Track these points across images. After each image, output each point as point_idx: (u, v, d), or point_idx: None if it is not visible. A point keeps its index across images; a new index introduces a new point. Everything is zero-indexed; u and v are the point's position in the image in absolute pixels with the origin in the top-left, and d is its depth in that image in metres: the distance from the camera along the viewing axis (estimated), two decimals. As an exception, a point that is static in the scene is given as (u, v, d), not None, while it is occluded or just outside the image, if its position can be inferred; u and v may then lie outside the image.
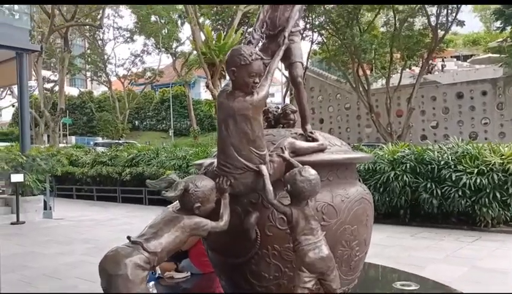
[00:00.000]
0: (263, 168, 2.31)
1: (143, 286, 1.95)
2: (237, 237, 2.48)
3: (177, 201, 2.24)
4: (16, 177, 9.71)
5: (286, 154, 2.41)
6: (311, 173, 2.23)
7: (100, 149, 22.07)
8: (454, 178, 8.06)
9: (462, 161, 8.24)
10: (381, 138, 25.14)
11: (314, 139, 2.68)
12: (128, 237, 2.06)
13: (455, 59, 40.26)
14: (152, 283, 3.73)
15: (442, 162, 8.35)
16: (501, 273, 5.25)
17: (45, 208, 10.75)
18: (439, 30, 23.44)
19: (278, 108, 3.20)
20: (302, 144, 2.58)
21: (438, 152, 8.66)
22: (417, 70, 28.66)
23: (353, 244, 2.61)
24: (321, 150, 2.64)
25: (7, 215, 10.07)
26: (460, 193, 7.96)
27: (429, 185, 8.34)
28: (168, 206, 2.28)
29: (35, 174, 10.58)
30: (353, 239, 2.61)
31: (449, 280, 4.64)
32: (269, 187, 2.25)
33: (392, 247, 6.68)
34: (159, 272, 3.97)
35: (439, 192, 8.21)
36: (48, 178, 11.24)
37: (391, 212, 9.09)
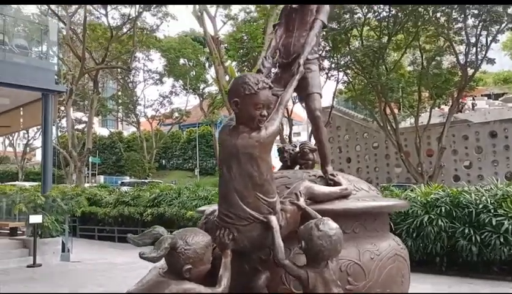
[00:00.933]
0: (272, 218, 1.90)
1: None
2: (244, 301, 2.06)
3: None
4: (35, 219, 9.56)
5: (302, 201, 2.01)
6: (331, 226, 1.81)
7: (125, 188, 22.03)
8: (494, 223, 7.39)
9: (502, 204, 7.59)
10: (412, 178, 24.23)
11: (336, 183, 2.27)
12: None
13: (486, 98, 39.33)
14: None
15: (480, 205, 7.71)
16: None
17: (63, 250, 10.50)
18: (468, 69, 22.87)
19: (296, 147, 2.82)
20: (321, 189, 2.17)
21: (475, 194, 8.03)
22: (446, 108, 27.93)
23: (385, 312, 2.14)
24: (345, 196, 2.23)
25: (24, 257, 9.86)
26: (502, 240, 7.27)
27: (466, 231, 7.68)
28: (156, 265, 1.88)
29: (54, 215, 10.43)
30: (385, 305, 2.14)
31: None
32: (279, 242, 1.84)
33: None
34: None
35: (478, 238, 7.53)
36: (68, 219, 11.06)
37: (426, 260, 8.38)
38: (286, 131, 27.97)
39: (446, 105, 28.95)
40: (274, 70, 2.54)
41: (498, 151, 25.02)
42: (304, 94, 2.44)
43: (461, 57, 22.89)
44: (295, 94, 2.44)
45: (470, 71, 23.15)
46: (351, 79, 27.47)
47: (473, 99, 34.88)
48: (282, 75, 2.42)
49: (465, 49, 22.82)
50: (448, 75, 24.21)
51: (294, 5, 2.57)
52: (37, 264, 9.44)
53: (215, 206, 2.20)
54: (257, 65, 24.90)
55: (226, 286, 1.85)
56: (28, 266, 9.38)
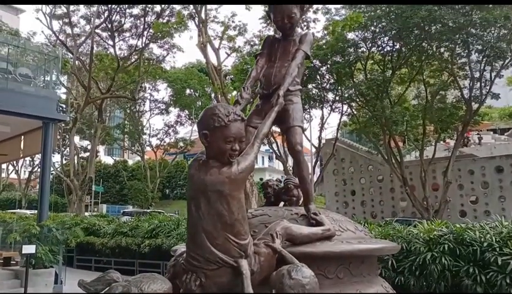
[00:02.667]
0: (243, 263, 1.73)
1: None
2: None
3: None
4: (28, 249, 9.36)
5: (278, 243, 1.84)
6: (305, 274, 1.64)
7: (126, 218, 21.81)
8: (500, 263, 7.07)
9: (508, 243, 7.28)
10: (417, 212, 23.81)
11: (318, 223, 2.10)
12: None
13: (491, 132, 39.17)
14: None
15: (485, 244, 7.41)
16: None
17: (56, 282, 10.24)
18: (473, 103, 22.81)
19: (280, 182, 2.67)
20: (301, 229, 2.00)
21: (479, 232, 7.75)
22: (452, 142, 27.74)
23: None
24: (328, 237, 2.06)
25: (16, 288, 9.64)
26: (508, 281, 6.94)
27: (471, 270, 7.35)
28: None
29: (49, 245, 10.23)
30: None
31: None
32: (249, 290, 1.66)
33: None
34: None
35: (483, 277, 7.20)
36: (62, 249, 10.85)
37: (429, 300, 8.05)
38: (291, 162, 27.86)
39: (451, 138, 28.77)
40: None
41: (505, 187, 24.63)
42: (285, 127, 2.31)
43: (465, 92, 22.88)
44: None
45: (475, 105, 23.09)
46: (355, 112, 27.51)
47: (479, 134, 34.73)
48: (262, 106, 2.31)
49: (469, 84, 22.84)
50: (453, 109, 24.15)
51: (277, 35, 2.49)
52: (27, 296, 9.19)
53: (182, 248, 2.01)
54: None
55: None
56: (18, 298, 9.14)
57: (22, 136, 12.50)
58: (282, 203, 2.62)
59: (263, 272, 1.79)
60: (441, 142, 30.27)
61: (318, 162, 28.84)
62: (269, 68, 2.37)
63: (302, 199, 2.51)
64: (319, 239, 2.03)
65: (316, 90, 25.97)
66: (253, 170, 1.85)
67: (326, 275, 1.94)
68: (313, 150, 28.02)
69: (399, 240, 8.56)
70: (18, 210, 29.49)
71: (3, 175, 42.24)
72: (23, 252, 9.45)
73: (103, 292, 1.57)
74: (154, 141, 46.13)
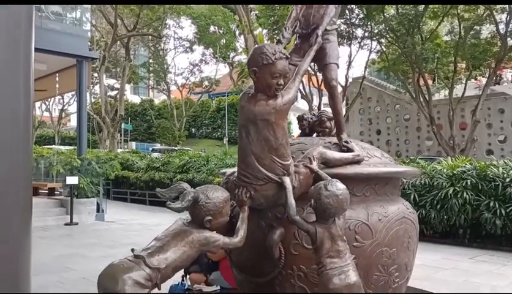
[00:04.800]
0: (286, 179, 2.06)
1: (141, 306, 1.75)
2: (260, 254, 2.26)
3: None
4: (71, 180, 10.09)
5: (314, 165, 2.15)
6: (338, 187, 1.96)
7: (156, 154, 22.67)
8: (520, 197, 7.33)
9: (530, 179, 7.49)
10: (443, 151, 23.78)
11: (349, 150, 2.40)
12: (132, 250, 1.90)
13: (526, 70, 37.46)
14: (180, 295, 3.60)
15: (508, 179, 7.62)
16: None
17: (98, 211, 11.08)
18: (508, 39, 21.87)
19: (314, 115, 2.94)
20: (334, 154, 2.30)
21: (503, 168, 7.93)
22: (483, 80, 26.93)
23: (391, 269, 2.29)
24: (357, 162, 2.36)
25: (62, 216, 10.48)
26: (527, 215, 7.22)
27: (491, 204, 7.64)
28: (180, 216, 2.09)
29: (89, 177, 10.96)
30: (391, 263, 2.29)
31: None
32: (291, 201, 2.00)
33: (446, 270, 6.13)
34: (189, 283, 3.83)
35: (503, 211, 7.48)
36: (102, 182, 11.60)
37: (449, 232, 8.44)
38: (316, 102, 27.75)
39: (483, 76, 27.88)
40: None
41: (535, 126, 24.17)
42: (322, 64, 2.54)
43: (501, 27, 21.86)
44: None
45: (510, 41, 22.15)
46: (384, 49, 26.78)
47: (513, 71, 33.43)
48: (301, 45, 2.51)
49: (506, 18, 21.76)
50: (486, 45, 23.22)
51: (315, -23, 2.64)
52: (73, 222, 10.04)
53: (235, 169, 2.37)
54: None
55: (243, 237, 2.06)
56: (65, 224, 9.99)
57: (57, 74, 12.95)
58: (315, 134, 2.91)
59: (302, 187, 2.12)
60: (473, 80, 29.39)
61: (344, 102, 28.61)
62: (307, 9, 2.54)
63: (334, 130, 2.79)
64: (349, 163, 2.33)
65: (345, 26, 25.21)
66: (294, 102, 2.12)
67: (355, 193, 2.25)
68: (340, 89, 27.75)
69: (423, 176, 8.85)
70: (53, 146, 30.85)
71: (38, 113, 43.65)
72: (67, 183, 10.21)
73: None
74: (179, 80, 46.39)
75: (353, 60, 26.62)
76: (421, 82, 24.55)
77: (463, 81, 25.44)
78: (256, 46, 2.18)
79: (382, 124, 30.84)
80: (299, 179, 2.11)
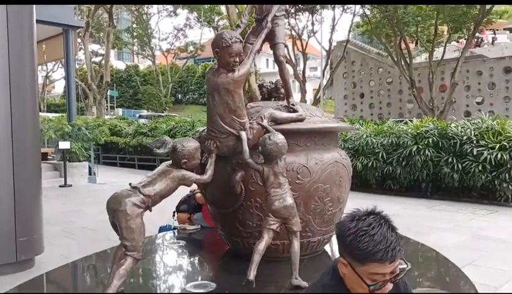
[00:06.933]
0: (242, 133, 2.75)
1: (138, 220, 2.48)
2: (226, 191, 2.96)
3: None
4: (64, 145, 10.68)
5: (265, 122, 2.84)
6: (279, 137, 2.66)
7: (143, 120, 23.17)
8: (475, 153, 8.14)
9: (484, 136, 8.29)
10: (423, 113, 24.63)
11: (295, 111, 3.08)
12: (130, 184, 2.59)
13: (508, 32, 38.05)
14: (169, 233, 4.35)
15: (465, 137, 8.43)
16: (501, 242, 5.48)
17: (90, 174, 11.73)
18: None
19: (273, 83, 3.60)
20: (281, 114, 2.99)
21: (462, 127, 8.72)
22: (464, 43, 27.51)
23: (325, 200, 3.02)
24: (300, 120, 3.04)
25: (56, 178, 11.12)
26: (480, 168, 8.05)
27: (450, 160, 8.46)
28: (165, 162, 2.79)
29: (80, 143, 11.54)
30: (325, 196, 3.01)
31: (446, 245, 4.96)
32: (246, 148, 2.70)
33: (405, 217, 6.96)
34: (176, 224, 4.60)
35: (460, 166, 8.32)
36: (92, 146, 12.19)
37: (413, 186, 9.31)
38: (300, 67, 28.13)
39: (465, 39, 28.45)
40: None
41: (511, 87, 25.04)
42: (272, 43, 3.18)
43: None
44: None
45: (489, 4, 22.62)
46: (367, 12, 27.09)
47: (494, 33, 33.99)
48: (257, 28, 3.14)
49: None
50: (466, 8, 23.69)
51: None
52: (67, 184, 10.70)
53: (205, 127, 3.06)
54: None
55: (210, 175, 2.78)
56: (60, 186, 10.65)
57: (44, 43, 13.23)
58: (273, 99, 3.57)
59: (255, 139, 2.81)
60: (454, 43, 29.95)
61: (328, 66, 29.08)
62: None
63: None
64: (294, 121, 3.02)
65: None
66: (248, 74, 2.78)
67: (298, 144, 2.95)
68: (324, 53, 28.13)
69: (391, 135, 9.65)
70: (40, 113, 30.96)
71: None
72: (59, 148, 10.80)
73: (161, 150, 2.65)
74: (164, 45, 46.06)
75: (336, 24, 26.93)
76: (403, 45, 25.08)
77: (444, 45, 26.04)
78: (217, 32, 2.81)
79: (365, 88, 31.50)
80: (253, 133, 2.79)
